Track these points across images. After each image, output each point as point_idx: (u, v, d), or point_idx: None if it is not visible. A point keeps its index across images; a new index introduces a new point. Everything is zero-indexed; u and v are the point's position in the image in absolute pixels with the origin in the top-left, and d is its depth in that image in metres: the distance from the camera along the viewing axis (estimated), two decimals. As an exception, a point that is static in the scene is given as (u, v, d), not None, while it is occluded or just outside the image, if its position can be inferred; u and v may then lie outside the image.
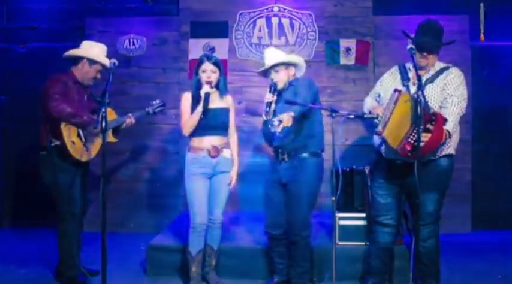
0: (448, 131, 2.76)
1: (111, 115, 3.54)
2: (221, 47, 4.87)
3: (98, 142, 3.42)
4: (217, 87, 3.26)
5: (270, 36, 4.93)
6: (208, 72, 3.19)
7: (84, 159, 3.35)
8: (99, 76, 3.48)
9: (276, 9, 4.93)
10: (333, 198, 2.92)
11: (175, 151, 4.95)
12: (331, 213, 3.07)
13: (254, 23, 4.94)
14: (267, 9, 4.94)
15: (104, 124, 2.64)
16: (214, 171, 3.27)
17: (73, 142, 3.30)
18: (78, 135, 3.33)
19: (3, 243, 4.57)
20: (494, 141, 4.94)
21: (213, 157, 3.24)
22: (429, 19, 3.02)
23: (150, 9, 5.05)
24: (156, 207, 4.96)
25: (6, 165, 5.17)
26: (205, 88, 3.17)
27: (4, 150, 5.17)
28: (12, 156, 5.15)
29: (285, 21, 4.93)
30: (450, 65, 3.02)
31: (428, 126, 2.67)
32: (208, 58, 3.22)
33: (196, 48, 4.90)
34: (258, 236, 3.80)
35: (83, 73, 3.43)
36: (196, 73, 3.25)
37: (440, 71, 2.95)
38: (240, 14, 4.94)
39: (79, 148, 3.33)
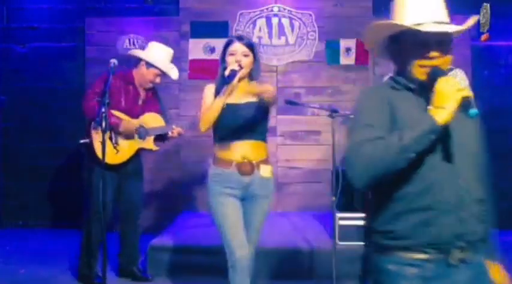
0: None
1: (157, 121, 3.41)
2: (221, 47, 4.85)
3: (129, 145, 3.33)
4: (250, 76, 2.51)
5: (270, 36, 4.93)
6: (239, 55, 2.44)
7: (112, 161, 3.22)
8: (158, 80, 3.37)
9: (276, 9, 4.93)
10: (333, 198, 2.92)
11: (175, 150, 4.95)
12: (331, 212, 3.07)
13: (254, 23, 4.94)
14: (267, 9, 4.94)
15: (104, 124, 2.63)
16: (245, 194, 2.49)
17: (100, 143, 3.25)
18: (110, 137, 3.19)
19: (3, 243, 4.56)
20: (494, 141, 4.91)
21: (245, 174, 2.45)
22: None
23: (150, 9, 5.04)
24: (156, 207, 4.96)
25: (6, 164, 5.17)
26: (232, 66, 2.42)
27: (4, 150, 5.17)
28: (12, 156, 5.14)
29: (285, 21, 4.93)
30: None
31: None
32: (240, 38, 2.52)
33: (196, 48, 4.90)
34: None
35: (139, 75, 3.34)
36: (222, 60, 2.52)
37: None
38: (240, 14, 4.93)
39: (108, 150, 3.26)
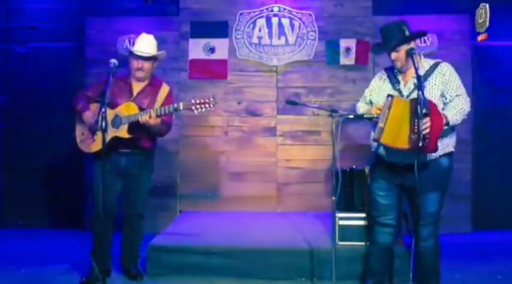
0: (445, 115, 2.74)
1: (131, 109, 3.31)
2: (221, 47, 4.86)
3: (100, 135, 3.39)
4: None
5: (270, 36, 4.93)
6: None
7: (89, 150, 3.41)
8: (140, 65, 3.32)
9: (276, 9, 4.93)
10: (333, 198, 2.92)
11: (175, 151, 4.95)
12: (331, 212, 3.07)
13: (254, 23, 4.94)
14: (267, 9, 4.94)
15: (103, 124, 2.64)
16: None
17: (82, 134, 3.44)
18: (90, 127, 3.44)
19: (3, 243, 4.56)
20: (494, 141, 4.93)
21: None
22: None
23: (150, 9, 5.04)
24: (155, 207, 4.95)
25: (6, 164, 5.17)
26: None
27: (4, 150, 5.17)
28: (12, 156, 5.14)
29: (285, 21, 4.93)
30: (438, 60, 2.98)
31: (424, 110, 2.63)
32: None
33: (196, 48, 4.89)
34: (257, 235, 3.80)
35: (131, 69, 3.41)
36: None
37: (431, 69, 2.91)
38: (240, 14, 4.93)
39: (87, 140, 3.42)
